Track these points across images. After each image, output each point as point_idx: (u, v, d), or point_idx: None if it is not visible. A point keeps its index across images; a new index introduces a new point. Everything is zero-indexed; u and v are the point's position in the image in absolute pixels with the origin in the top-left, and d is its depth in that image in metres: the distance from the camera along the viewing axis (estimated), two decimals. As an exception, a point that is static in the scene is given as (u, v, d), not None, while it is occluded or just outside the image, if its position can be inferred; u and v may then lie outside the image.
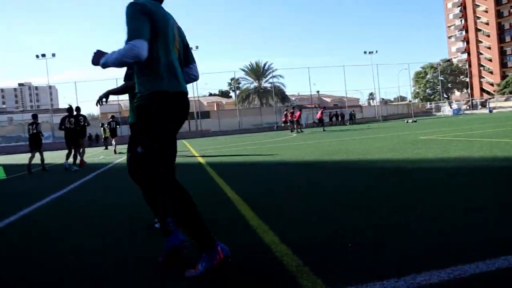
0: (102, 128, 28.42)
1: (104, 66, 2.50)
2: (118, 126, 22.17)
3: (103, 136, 28.03)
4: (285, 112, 33.30)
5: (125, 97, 4.03)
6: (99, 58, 2.58)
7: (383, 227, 3.21)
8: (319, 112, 33.86)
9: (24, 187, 8.62)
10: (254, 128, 49.87)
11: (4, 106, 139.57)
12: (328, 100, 74.71)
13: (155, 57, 2.48)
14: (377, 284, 2.12)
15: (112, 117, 22.03)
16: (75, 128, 12.36)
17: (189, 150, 17.63)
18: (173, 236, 2.79)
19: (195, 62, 2.96)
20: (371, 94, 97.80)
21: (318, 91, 66.86)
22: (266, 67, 66.50)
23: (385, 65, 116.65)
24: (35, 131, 12.50)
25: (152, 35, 2.43)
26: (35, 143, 12.55)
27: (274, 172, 7.81)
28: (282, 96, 64.66)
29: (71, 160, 12.43)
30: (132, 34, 2.35)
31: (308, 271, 2.38)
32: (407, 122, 35.30)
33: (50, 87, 68.94)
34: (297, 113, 30.34)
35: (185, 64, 2.85)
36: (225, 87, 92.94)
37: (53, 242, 3.75)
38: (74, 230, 4.17)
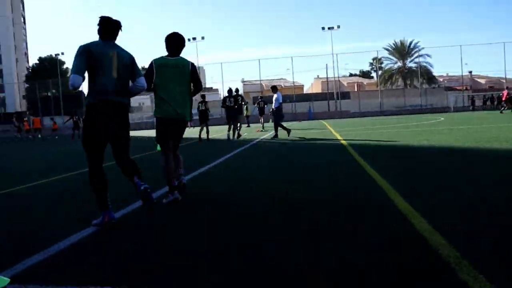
0: (245, 107, 29.85)
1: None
2: (265, 106, 23.15)
3: (245, 114, 29.43)
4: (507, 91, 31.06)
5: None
6: None
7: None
8: (505, 93, 30.36)
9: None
10: (397, 110, 47.57)
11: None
12: (482, 81, 67.51)
13: (92, 79, 3.62)
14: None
15: (261, 97, 23.18)
16: (234, 106, 15.05)
17: (327, 129, 17.60)
18: (138, 186, 3.63)
19: (141, 76, 3.93)
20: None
21: (470, 71, 60.74)
22: (411, 46, 62.50)
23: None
24: (203, 108, 15.41)
25: (92, 66, 3.58)
26: (203, 118, 15.42)
27: (422, 157, 7.41)
28: (428, 76, 60.28)
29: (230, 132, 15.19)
30: (71, 70, 3.52)
31: (468, 265, 2.24)
32: None
33: (199, 68, 74.18)
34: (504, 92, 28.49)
35: (133, 79, 3.88)
36: (366, 67, 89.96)
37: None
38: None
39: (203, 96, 16.13)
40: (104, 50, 3.66)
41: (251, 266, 2.50)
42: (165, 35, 4.64)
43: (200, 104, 15.69)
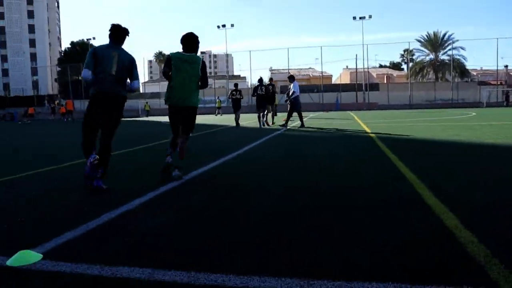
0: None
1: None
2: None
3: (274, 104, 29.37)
4: None
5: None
6: None
7: None
8: None
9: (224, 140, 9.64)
10: (426, 104, 46.55)
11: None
12: (518, 76, 65.30)
13: (96, 74, 4.51)
14: None
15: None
16: (265, 95, 15.73)
17: (355, 120, 17.38)
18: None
19: (136, 79, 4.84)
20: None
21: (506, 66, 58.72)
22: (445, 38, 60.74)
23: None
24: (239, 96, 16.86)
25: (96, 63, 4.52)
26: (237, 106, 16.91)
27: (452, 152, 7.23)
28: (461, 70, 58.59)
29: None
30: (84, 66, 4.55)
31: (498, 264, 2.19)
32: None
33: (227, 55, 74.33)
34: None
35: (130, 79, 4.81)
36: (397, 59, 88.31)
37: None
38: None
39: (236, 85, 17.32)
40: (107, 51, 4.58)
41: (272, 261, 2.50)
42: (182, 35, 5.17)
43: (234, 92, 16.80)
